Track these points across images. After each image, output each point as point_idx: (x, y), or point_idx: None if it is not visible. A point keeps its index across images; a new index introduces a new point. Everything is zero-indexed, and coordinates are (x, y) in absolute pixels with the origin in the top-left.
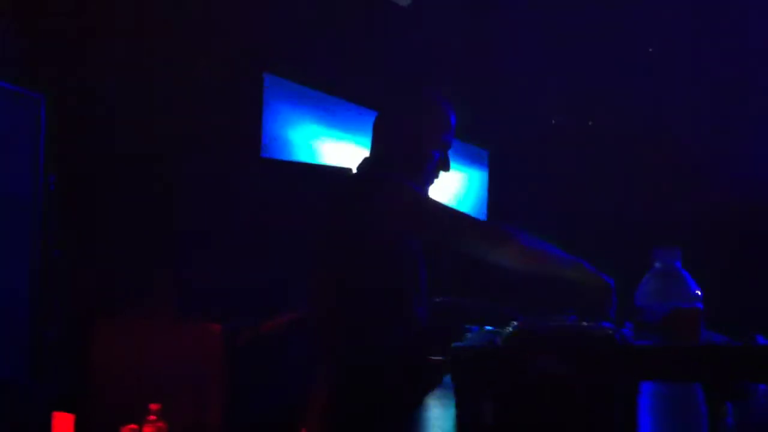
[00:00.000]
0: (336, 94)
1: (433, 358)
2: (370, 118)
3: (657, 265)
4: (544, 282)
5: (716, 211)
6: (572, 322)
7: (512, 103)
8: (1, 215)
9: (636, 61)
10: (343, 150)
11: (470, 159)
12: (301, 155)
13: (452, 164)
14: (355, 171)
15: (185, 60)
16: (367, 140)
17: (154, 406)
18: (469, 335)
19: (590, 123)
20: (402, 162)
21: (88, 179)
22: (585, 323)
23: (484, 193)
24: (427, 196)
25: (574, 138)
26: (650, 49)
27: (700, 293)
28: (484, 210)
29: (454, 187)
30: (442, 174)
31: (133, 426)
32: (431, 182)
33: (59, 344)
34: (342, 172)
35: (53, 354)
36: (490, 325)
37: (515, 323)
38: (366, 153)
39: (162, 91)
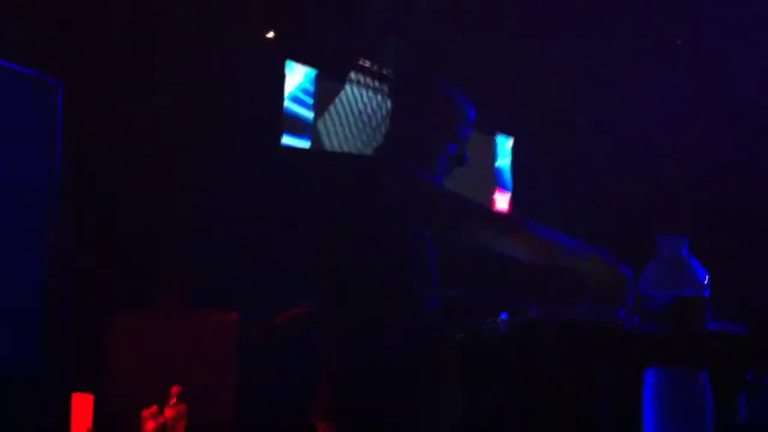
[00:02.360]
0: (355, 82)
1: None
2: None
3: (662, 253)
4: (557, 273)
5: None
6: (580, 313)
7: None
8: (15, 203)
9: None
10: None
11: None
12: (322, 145)
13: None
14: (370, 159)
15: (206, 49)
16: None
17: (175, 389)
18: (478, 325)
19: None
20: (414, 153)
21: (104, 169)
22: (593, 314)
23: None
24: (438, 184)
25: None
26: (678, 42)
27: (707, 282)
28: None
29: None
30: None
31: (154, 409)
32: (445, 174)
33: (77, 331)
34: (354, 160)
35: (70, 341)
36: (504, 316)
37: (525, 314)
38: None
39: (181, 83)
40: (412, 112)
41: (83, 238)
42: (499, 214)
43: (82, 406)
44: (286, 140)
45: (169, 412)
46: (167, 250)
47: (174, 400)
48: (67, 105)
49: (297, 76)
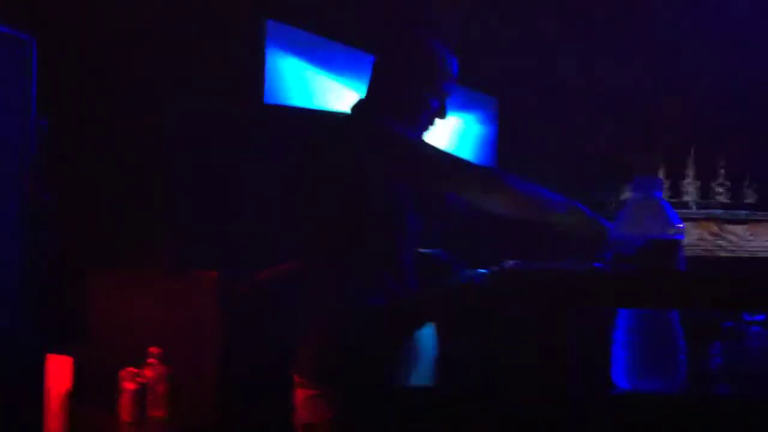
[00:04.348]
0: (339, 39)
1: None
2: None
3: (635, 195)
4: (540, 226)
5: None
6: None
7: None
8: None
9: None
10: (348, 96)
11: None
12: (304, 102)
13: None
14: (346, 115)
15: (183, 4)
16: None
17: (154, 350)
18: (456, 276)
19: None
20: (394, 107)
21: (81, 125)
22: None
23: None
24: (419, 139)
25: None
26: None
27: (681, 225)
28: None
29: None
30: (438, 121)
31: (132, 369)
32: (425, 129)
33: (53, 290)
34: (333, 117)
35: (46, 300)
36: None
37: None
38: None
39: (158, 35)
40: (392, 65)
41: (61, 197)
42: (480, 168)
43: (60, 369)
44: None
45: (148, 372)
46: (147, 210)
47: (153, 360)
48: (41, 60)
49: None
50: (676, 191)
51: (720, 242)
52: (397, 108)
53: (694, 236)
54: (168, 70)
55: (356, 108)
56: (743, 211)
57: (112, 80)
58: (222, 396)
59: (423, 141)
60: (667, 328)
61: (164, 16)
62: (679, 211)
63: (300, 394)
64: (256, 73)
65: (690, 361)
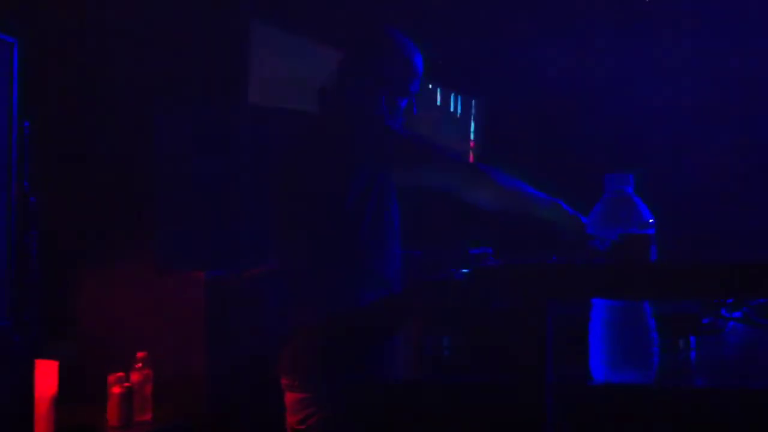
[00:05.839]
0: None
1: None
2: None
3: (608, 191)
4: (521, 222)
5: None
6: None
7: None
8: None
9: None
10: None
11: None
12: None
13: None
14: (318, 113)
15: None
16: None
17: (140, 354)
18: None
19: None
20: (368, 107)
21: (65, 125)
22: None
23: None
24: (399, 129)
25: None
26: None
27: (652, 220)
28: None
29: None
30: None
31: (120, 374)
32: (397, 124)
33: (40, 292)
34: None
35: (34, 301)
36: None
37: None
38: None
39: (143, 35)
40: (364, 68)
41: (47, 199)
42: (463, 162)
43: (46, 373)
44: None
45: (135, 377)
46: (133, 211)
47: (140, 364)
48: (24, 60)
49: None
50: None
51: None
52: (370, 107)
53: None
54: (152, 70)
55: (330, 106)
56: None
57: (95, 80)
58: (209, 396)
59: (405, 131)
60: (640, 322)
61: (150, 15)
62: None
63: (288, 397)
64: (241, 74)
65: (667, 354)
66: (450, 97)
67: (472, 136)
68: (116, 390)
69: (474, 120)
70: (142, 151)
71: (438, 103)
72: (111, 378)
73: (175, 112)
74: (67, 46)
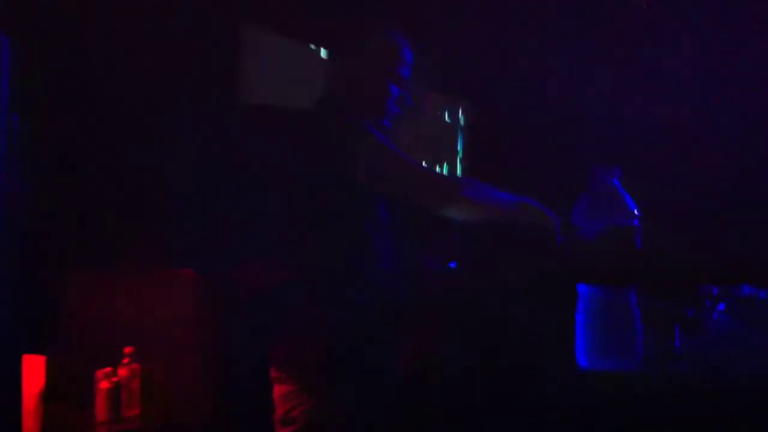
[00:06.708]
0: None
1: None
2: None
3: (594, 183)
4: (495, 229)
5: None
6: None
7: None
8: None
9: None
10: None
11: None
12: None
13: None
14: (310, 112)
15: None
16: None
17: (128, 349)
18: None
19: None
20: (357, 100)
21: (55, 123)
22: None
23: None
24: (379, 142)
25: None
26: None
27: (637, 212)
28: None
29: None
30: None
31: (107, 369)
32: (393, 117)
33: (28, 290)
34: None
35: (21, 299)
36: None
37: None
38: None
39: (135, 35)
40: (349, 54)
41: (35, 196)
42: (435, 175)
43: (33, 368)
44: None
45: (122, 372)
46: (123, 208)
47: (127, 359)
48: (15, 56)
49: None
50: None
51: None
52: (360, 100)
53: None
54: (144, 69)
55: (321, 105)
56: None
57: (87, 77)
58: (202, 395)
59: (387, 148)
60: (625, 311)
61: (143, 16)
62: None
63: (277, 390)
64: (232, 75)
65: (652, 344)
66: (438, 106)
67: (460, 145)
68: (104, 385)
69: (461, 130)
70: (131, 150)
71: (425, 112)
72: (98, 373)
73: (164, 112)
74: (66, 45)
